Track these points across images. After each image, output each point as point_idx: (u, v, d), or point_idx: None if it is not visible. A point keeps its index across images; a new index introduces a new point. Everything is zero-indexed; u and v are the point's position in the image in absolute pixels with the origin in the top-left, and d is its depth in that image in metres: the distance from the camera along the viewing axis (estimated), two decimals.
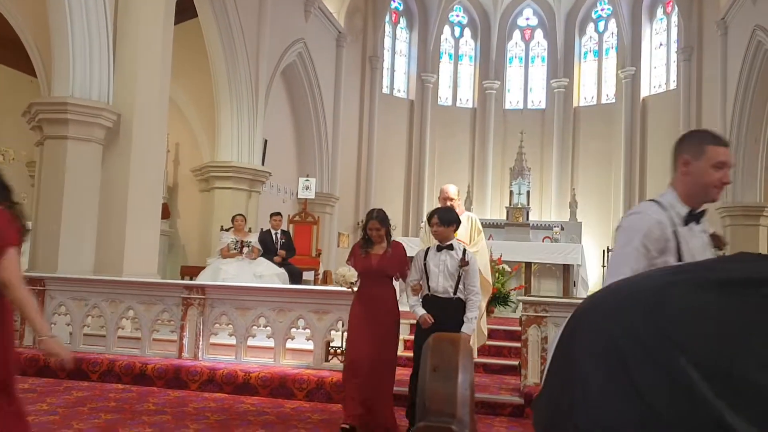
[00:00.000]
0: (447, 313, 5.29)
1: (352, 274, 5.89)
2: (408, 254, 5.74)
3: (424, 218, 6.78)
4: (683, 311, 0.86)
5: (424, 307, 5.37)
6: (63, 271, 8.52)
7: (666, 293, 0.85)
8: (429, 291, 5.42)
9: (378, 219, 5.66)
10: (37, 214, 9.11)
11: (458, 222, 5.61)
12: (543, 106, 22.59)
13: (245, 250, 9.79)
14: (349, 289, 5.96)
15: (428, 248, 5.55)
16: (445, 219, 5.44)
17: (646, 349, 0.85)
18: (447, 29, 23.25)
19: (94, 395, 6.52)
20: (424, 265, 5.43)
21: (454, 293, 5.35)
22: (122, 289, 7.93)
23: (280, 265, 10.23)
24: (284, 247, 10.91)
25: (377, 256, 5.65)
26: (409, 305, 5.48)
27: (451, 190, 6.62)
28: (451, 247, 5.43)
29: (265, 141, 14.56)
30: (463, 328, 5.23)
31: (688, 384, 0.78)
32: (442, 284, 5.36)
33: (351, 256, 5.82)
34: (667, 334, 0.83)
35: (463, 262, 5.37)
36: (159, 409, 6.06)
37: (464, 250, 5.45)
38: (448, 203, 6.38)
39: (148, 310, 7.80)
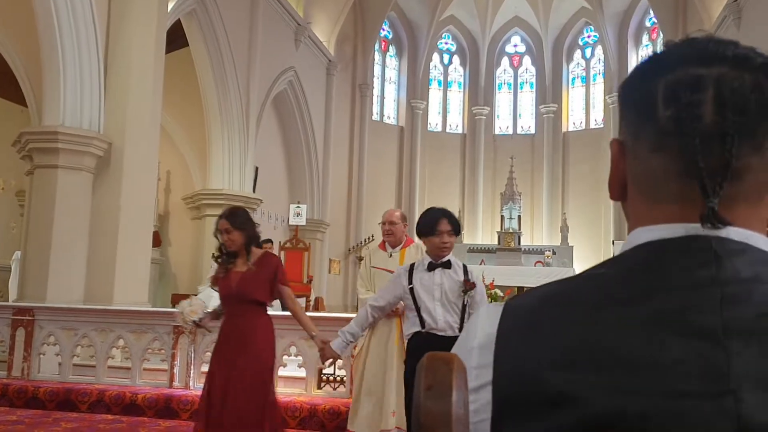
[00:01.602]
0: None
1: (195, 308, 4.37)
2: None
3: (366, 250, 6.04)
4: None
5: (416, 349, 3.87)
6: (52, 300, 8.45)
7: None
8: (423, 327, 3.91)
9: (228, 218, 4.22)
10: (27, 244, 9.07)
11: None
12: (532, 131, 22.78)
13: None
14: (189, 329, 4.72)
15: (412, 265, 4.08)
16: (457, 226, 4.04)
17: None
18: (436, 56, 23.46)
19: (83, 426, 6.44)
20: (411, 290, 3.93)
21: (460, 329, 3.80)
22: (112, 318, 7.87)
23: None
24: None
25: (238, 274, 4.20)
26: (339, 339, 4.16)
27: (396, 213, 5.48)
28: (448, 265, 3.96)
29: (256, 168, 14.59)
30: None
31: None
32: (442, 318, 3.89)
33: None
34: None
35: (469, 285, 3.93)
36: None
37: (465, 268, 4.03)
38: (388, 228, 5.34)
39: (138, 339, 7.73)
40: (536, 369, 0.71)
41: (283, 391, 7.29)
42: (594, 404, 0.66)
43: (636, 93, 0.80)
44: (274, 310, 9.52)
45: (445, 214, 4.00)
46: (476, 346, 0.78)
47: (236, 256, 4.21)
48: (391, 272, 4.92)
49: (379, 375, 5.13)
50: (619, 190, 0.83)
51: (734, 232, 0.73)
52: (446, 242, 3.93)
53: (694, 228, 0.73)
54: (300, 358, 7.35)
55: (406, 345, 4.16)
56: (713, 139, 0.72)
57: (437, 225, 3.92)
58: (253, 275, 4.16)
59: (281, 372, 7.41)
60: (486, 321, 0.79)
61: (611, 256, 0.84)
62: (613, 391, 0.66)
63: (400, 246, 5.37)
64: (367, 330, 4.95)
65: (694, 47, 0.77)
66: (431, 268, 3.97)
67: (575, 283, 0.78)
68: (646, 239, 0.76)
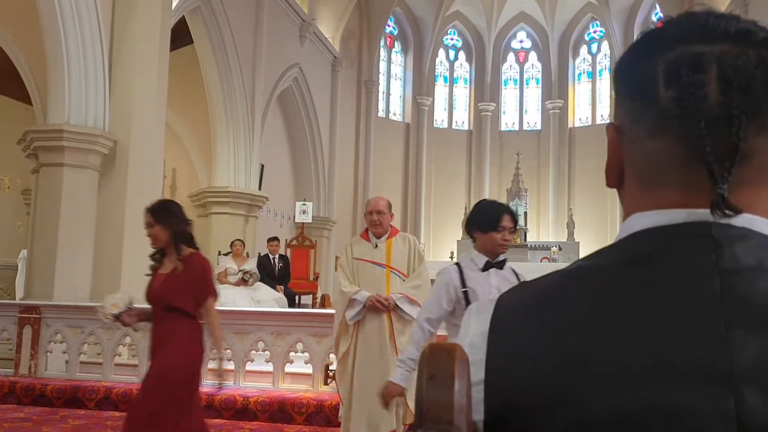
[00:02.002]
0: None
1: (117, 301, 3.96)
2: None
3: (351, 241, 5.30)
4: None
5: None
6: (59, 298, 8.47)
7: None
8: None
9: (151, 211, 3.87)
10: (33, 242, 9.09)
11: None
12: (538, 127, 22.74)
13: (249, 278, 9.78)
14: (109, 323, 4.35)
15: (460, 266, 3.53)
16: (517, 223, 3.65)
17: None
18: (442, 52, 23.43)
19: (90, 423, 6.45)
20: (465, 293, 3.46)
21: None
22: None
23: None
24: (282, 272, 10.90)
25: (162, 276, 3.83)
26: (400, 371, 3.50)
27: (383, 202, 4.94)
28: (502, 265, 3.56)
29: (262, 166, 14.59)
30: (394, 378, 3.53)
31: None
32: None
33: None
34: None
35: None
36: None
37: (513, 269, 3.63)
38: (375, 218, 4.85)
39: (145, 336, 7.73)
40: (530, 370, 0.68)
41: (290, 387, 7.30)
42: (592, 407, 0.64)
43: (633, 73, 0.75)
44: (281, 306, 9.58)
45: (507, 209, 3.61)
46: (467, 344, 0.74)
47: (165, 254, 3.83)
48: (377, 264, 4.81)
49: (373, 385, 4.27)
50: (616, 176, 0.79)
51: (735, 217, 0.69)
52: (508, 239, 3.51)
53: (693, 213, 0.70)
54: (307, 354, 7.35)
55: None
56: (719, 121, 0.68)
57: (501, 220, 3.44)
58: (178, 278, 3.73)
59: (288, 368, 7.42)
60: (478, 318, 0.76)
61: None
62: (612, 394, 0.63)
63: (386, 236, 4.92)
64: (351, 329, 4.72)
65: (694, 23, 0.73)
66: (486, 267, 3.49)
67: (569, 278, 0.74)
68: (641, 226, 0.73)
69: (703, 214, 0.70)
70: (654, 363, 0.64)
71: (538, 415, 0.67)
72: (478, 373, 0.72)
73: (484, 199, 3.95)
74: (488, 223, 3.47)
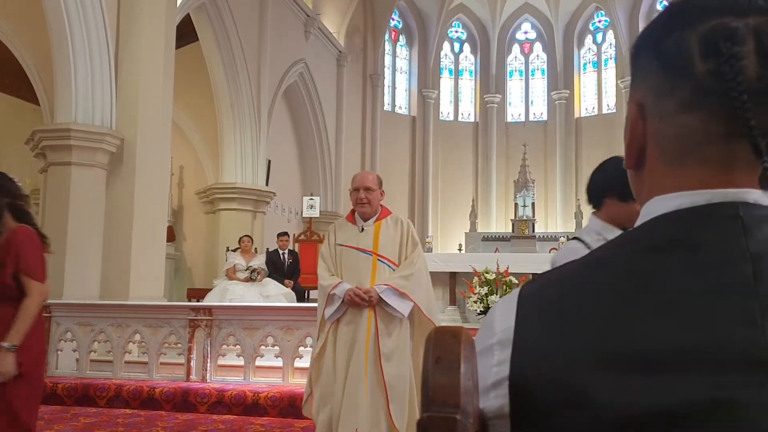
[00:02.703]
0: None
1: None
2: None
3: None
4: None
5: None
6: (69, 297, 8.51)
7: None
8: None
9: None
10: None
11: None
12: (545, 118, 22.67)
13: (257, 276, 9.82)
14: None
15: (586, 243, 2.63)
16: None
17: None
18: (446, 45, 23.38)
19: (102, 421, 6.48)
20: None
21: None
22: (128, 313, 7.91)
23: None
24: (291, 267, 10.91)
25: None
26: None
27: (371, 177, 4.38)
28: None
29: (269, 161, 14.61)
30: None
31: None
32: None
33: None
34: None
35: None
36: None
37: None
38: (362, 196, 4.27)
39: (154, 333, 7.77)
40: (558, 366, 0.66)
41: (299, 382, 7.31)
42: (623, 401, 0.62)
43: (663, 46, 0.72)
44: (290, 301, 9.59)
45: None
46: (496, 342, 0.73)
47: None
48: (363, 251, 4.19)
49: (352, 401, 4.00)
50: (636, 157, 0.76)
51: (762, 196, 0.68)
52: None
53: (719, 194, 0.68)
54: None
55: None
56: (761, 94, 0.66)
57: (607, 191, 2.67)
58: None
59: (297, 363, 7.43)
60: (503, 314, 0.74)
61: None
62: (645, 386, 0.61)
63: (374, 218, 4.31)
64: (327, 328, 4.20)
65: None
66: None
67: (592, 268, 0.72)
68: (664, 210, 0.71)
69: (730, 194, 0.68)
70: (687, 356, 0.61)
71: (567, 412, 0.65)
72: (504, 370, 0.71)
73: (618, 157, 2.67)
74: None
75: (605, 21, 21.96)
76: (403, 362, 4.10)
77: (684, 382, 0.61)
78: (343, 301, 4.09)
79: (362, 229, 4.27)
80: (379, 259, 4.18)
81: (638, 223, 0.74)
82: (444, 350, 0.67)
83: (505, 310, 0.74)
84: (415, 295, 4.15)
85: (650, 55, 0.74)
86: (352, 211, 4.40)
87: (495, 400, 0.71)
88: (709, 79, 0.68)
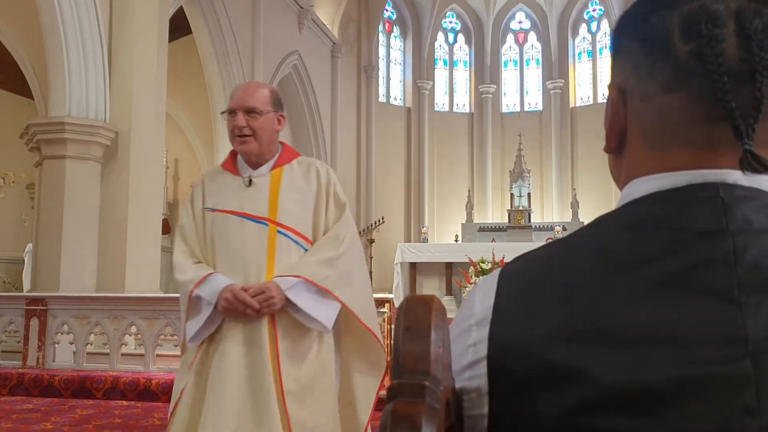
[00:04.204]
0: None
1: None
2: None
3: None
4: None
5: None
6: (65, 290, 8.52)
7: None
8: None
9: None
10: (38, 235, 9.12)
11: None
12: (540, 107, 22.64)
13: None
14: None
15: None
16: None
17: None
18: (441, 36, 23.32)
19: (98, 413, 6.50)
20: None
21: None
22: (124, 305, 7.92)
23: None
24: None
25: None
26: None
27: (259, 92, 2.75)
28: None
29: None
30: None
31: None
32: None
33: None
34: None
35: None
36: (165, 424, 6.03)
37: None
38: (242, 125, 2.62)
39: (150, 325, 7.78)
40: (535, 341, 0.66)
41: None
42: (603, 379, 0.62)
43: (644, 27, 0.72)
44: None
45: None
46: (474, 323, 0.73)
47: None
48: (251, 218, 2.57)
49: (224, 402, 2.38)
50: (616, 140, 0.77)
51: (742, 177, 0.68)
52: None
53: (699, 175, 0.69)
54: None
55: None
56: (740, 76, 0.66)
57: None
58: None
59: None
60: (483, 294, 0.74)
61: None
62: (623, 364, 0.61)
63: (271, 162, 2.72)
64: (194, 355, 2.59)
65: None
66: None
67: (573, 246, 0.73)
68: (643, 192, 0.71)
69: (710, 174, 0.68)
70: (665, 331, 0.62)
71: (545, 389, 0.65)
72: (482, 349, 0.71)
73: None
74: None
75: (600, 10, 21.92)
76: (323, 405, 2.54)
77: (662, 357, 0.61)
78: (215, 308, 2.48)
79: (249, 182, 2.64)
80: (280, 232, 2.57)
81: (620, 204, 0.75)
82: (414, 319, 0.68)
83: (485, 290, 0.74)
84: (344, 291, 2.59)
85: (632, 36, 0.74)
86: (232, 154, 2.76)
87: (471, 381, 0.72)
88: (691, 60, 0.68)
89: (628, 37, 0.75)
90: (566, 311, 0.66)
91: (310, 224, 2.65)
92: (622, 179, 0.78)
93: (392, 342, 0.70)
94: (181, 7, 11.93)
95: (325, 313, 2.53)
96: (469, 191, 20.48)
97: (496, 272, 0.76)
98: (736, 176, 0.68)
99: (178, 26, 12.24)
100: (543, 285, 0.70)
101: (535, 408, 0.65)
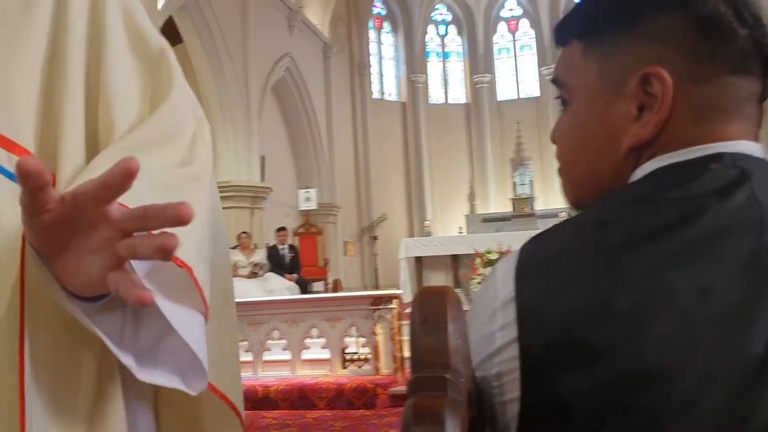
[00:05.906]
0: None
1: None
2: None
3: None
4: None
5: None
6: None
7: None
8: None
9: None
10: None
11: None
12: (536, 94, 22.63)
13: (260, 270, 9.86)
14: None
15: None
16: None
17: None
18: (432, 28, 23.31)
19: None
20: None
21: None
22: None
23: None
24: (292, 262, 10.93)
25: None
26: None
27: None
28: None
29: (263, 157, 14.59)
30: None
31: None
32: None
33: None
34: None
35: None
36: None
37: None
38: None
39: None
40: (563, 318, 0.66)
41: (308, 373, 7.35)
42: (630, 354, 0.62)
43: (699, 10, 0.73)
44: (293, 294, 9.61)
45: None
46: (499, 306, 0.71)
47: None
48: None
49: None
50: (661, 126, 0.74)
51: (750, 147, 0.71)
52: None
53: (722, 146, 0.71)
54: (323, 339, 7.38)
55: None
56: None
57: None
58: None
59: (304, 355, 7.45)
60: (503, 277, 0.73)
61: None
62: (652, 342, 0.61)
63: None
64: None
65: None
66: None
67: (595, 221, 0.72)
68: (658, 165, 0.73)
69: (727, 145, 0.70)
70: (696, 305, 0.61)
71: (576, 367, 0.64)
72: (511, 332, 0.70)
73: None
74: None
75: None
76: None
77: (697, 329, 0.61)
78: None
79: None
80: None
81: (633, 179, 0.75)
82: (430, 311, 0.67)
83: (505, 273, 0.73)
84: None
85: (679, 19, 0.73)
86: None
87: (502, 366, 0.70)
88: (749, 44, 0.71)
89: (670, 18, 0.74)
90: (590, 288, 0.66)
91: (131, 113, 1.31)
92: (642, 161, 0.76)
93: (410, 335, 0.68)
94: (171, 16, 11.92)
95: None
96: (470, 183, 20.49)
97: (516, 253, 0.75)
98: (743, 145, 0.71)
99: (169, 35, 12.22)
100: (563, 262, 0.70)
101: (566, 385, 0.65)
